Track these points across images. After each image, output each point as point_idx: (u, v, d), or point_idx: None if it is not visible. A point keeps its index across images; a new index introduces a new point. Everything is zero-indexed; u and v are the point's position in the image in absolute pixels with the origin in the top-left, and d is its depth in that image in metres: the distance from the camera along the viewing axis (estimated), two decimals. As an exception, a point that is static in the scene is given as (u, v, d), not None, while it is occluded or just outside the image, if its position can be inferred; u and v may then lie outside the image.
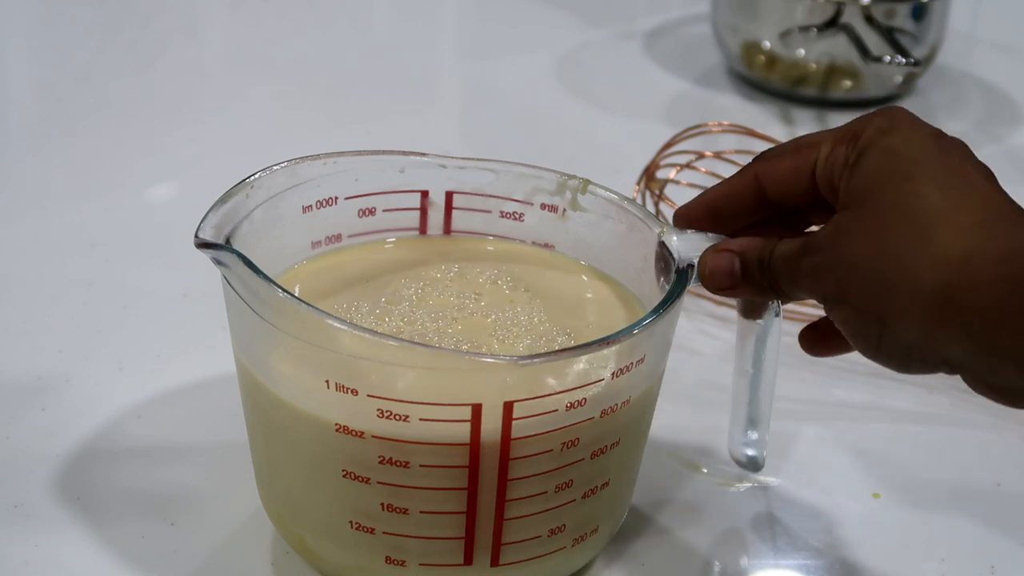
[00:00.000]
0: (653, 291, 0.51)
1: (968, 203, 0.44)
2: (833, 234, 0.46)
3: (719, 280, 0.49)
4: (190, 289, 0.69)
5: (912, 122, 0.47)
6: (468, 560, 0.49)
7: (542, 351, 0.50)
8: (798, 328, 0.70)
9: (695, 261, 0.50)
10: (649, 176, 0.73)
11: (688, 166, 0.73)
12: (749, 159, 0.73)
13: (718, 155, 0.73)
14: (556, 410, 0.46)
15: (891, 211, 0.44)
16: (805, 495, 0.59)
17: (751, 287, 0.49)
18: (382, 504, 0.48)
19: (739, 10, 0.96)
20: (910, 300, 0.43)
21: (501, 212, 0.56)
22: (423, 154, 0.55)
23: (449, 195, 0.56)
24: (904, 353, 0.45)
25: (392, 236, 0.57)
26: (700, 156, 0.73)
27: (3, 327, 0.67)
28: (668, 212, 0.72)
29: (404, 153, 0.55)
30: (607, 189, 0.55)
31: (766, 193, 0.50)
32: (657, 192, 0.72)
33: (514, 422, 0.46)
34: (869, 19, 0.92)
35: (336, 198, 0.54)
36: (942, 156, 0.45)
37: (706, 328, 0.69)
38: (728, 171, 0.72)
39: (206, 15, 1.12)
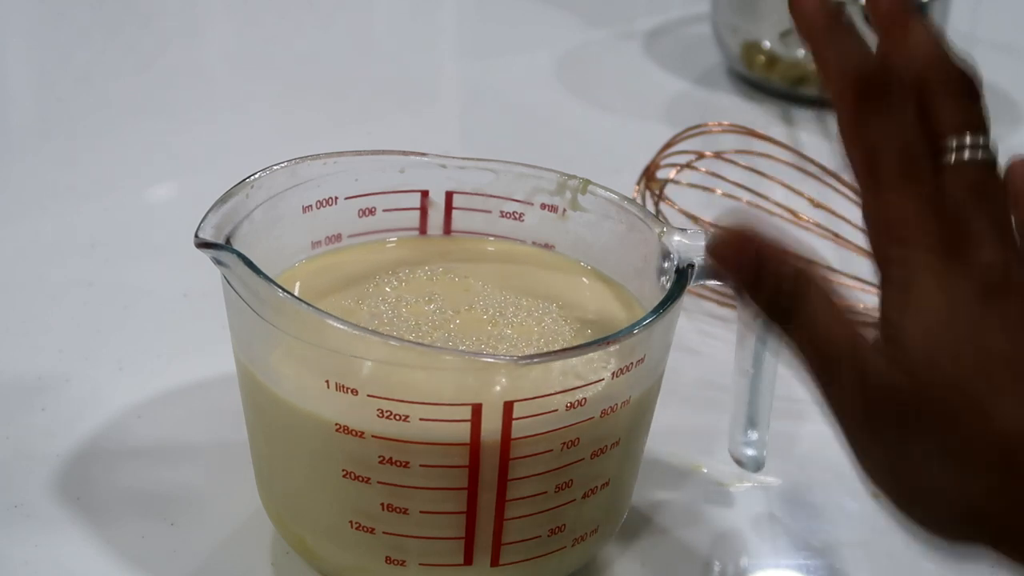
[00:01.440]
0: (653, 291, 0.51)
1: None
2: None
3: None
4: (190, 289, 0.69)
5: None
6: (468, 560, 0.49)
7: (545, 347, 0.50)
8: (798, 328, 0.70)
9: (695, 261, 0.50)
10: (649, 176, 0.73)
11: (688, 166, 0.73)
12: (749, 159, 0.74)
13: (718, 155, 0.73)
14: (556, 410, 0.46)
15: None
16: (805, 495, 0.59)
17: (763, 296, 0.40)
18: (382, 504, 0.48)
19: (739, 10, 0.96)
20: None
21: (501, 212, 0.56)
22: (423, 154, 0.55)
23: (449, 195, 0.56)
24: None
25: (392, 236, 0.57)
26: (700, 156, 0.73)
27: (3, 327, 0.67)
28: (668, 212, 0.72)
29: (404, 153, 0.55)
30: (607, 189, 0.55)
31: None
32: (657, 192, 0.72)
33: (514, 422, 0.46)
34: (869, 19, 0.92)
35: (336, 198, 0.54)
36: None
37: (706, 328, 0.69)
38: (728, 171, 0.73)
39: (206, 15, 1.12)
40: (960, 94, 0.42)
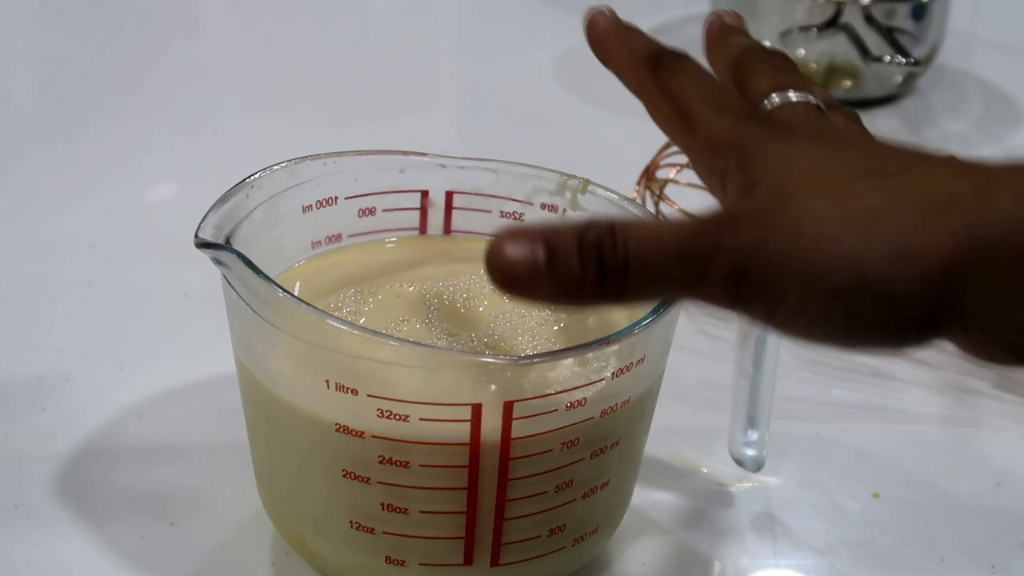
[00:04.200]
0: (653, 291, 0.51)
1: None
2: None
3: (510, 272, 0.37)
4: (190, 289, 0.69)
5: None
6: (468, 560, 0.49)
7: (543, 348, 0.51)
8: (798, 328, 0.70)
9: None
10: (649, 176, 0.73)
11: (688, 166, 0.73)
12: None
13: (718, 155, 0.73)
14: (556, 410, 0.46)
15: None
16: (805, 495, 0.59)
17: (562, 285, 0.37)
18: (382, 504, 0.48)
19: (739, 10, 0.96)
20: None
21: (501, 212, 0.56)
22: (423, 154, 0.55)
23: (449, 195, 0.56)
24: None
25: (392, 236, 0.57)
26: (700, 156, 0.73)
27: (3, 327, 0.67)
28: (668, 212, 0.72)
29: (404, 153, 0.55)
30: (607, 189, 0.55)
31: None
32: (657, 192, 0.72)
33: (514, 422, 0.46)
34: (869, 19, 0.92)
35: (336, 198, 0.54)
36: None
37: (706, 328, 0.69)
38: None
39: (206, 15, 1.12)
40: (776, 62, 0.45)
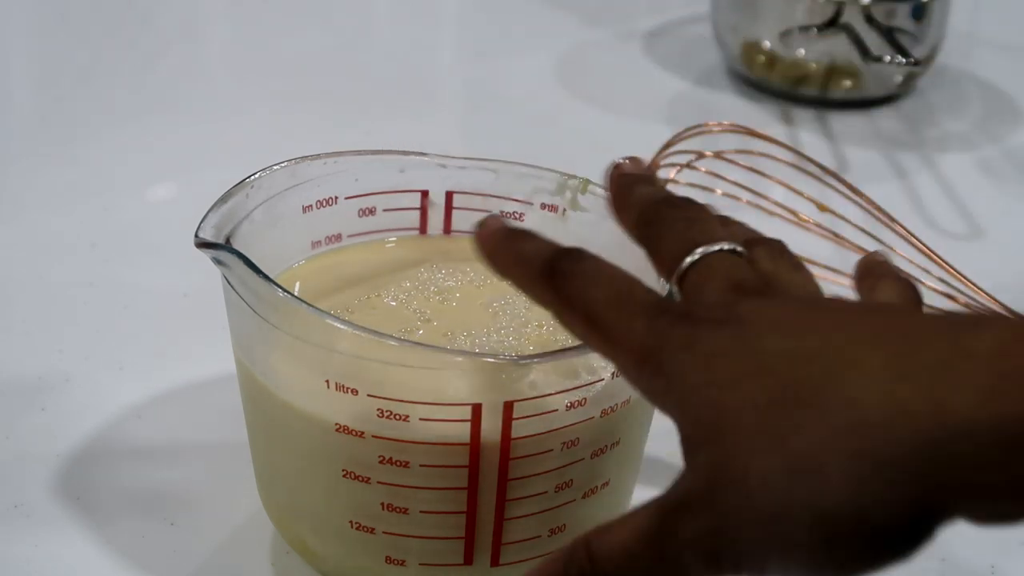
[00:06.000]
0: (653, 291, 0.51)
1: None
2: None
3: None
4: (190, 289, 0.69)
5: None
6: (468, 560, 0.49)
7: (543, 348, 0.50)
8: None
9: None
10: (649, 176, 0.73)
11: (688, 166, 0.73)
12: (749, 159, 0.74)
13: (718, 155, 0.73)
14: (556, 410, 0.46)
15: None
16: (805, 495, 0.59)
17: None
18: (382, 504, 0.48)
19: (739, 10, 0.96)
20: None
21: (501, 212, 0.56)
22: (423, 154, 0.55)
23: (449, 195, 0.56)
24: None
25: (392, 236, 0.57)
26: (700, 156, 0.73)
27: (3, 327, 0.67)
28: (668, 212, 0.71)
29: (404, 153, 0.55)
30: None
31: None
32: (657, 192, 0.72)
33: (514, 422, 0.46)
34: (869, 19, 0.92)
35: (336, 198, 0.54)
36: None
37: (706, 328, 0.69)
38: (728, 171, 0.73)
39: (206, 15, 1.12)
40: (680, 216, 0.42)
